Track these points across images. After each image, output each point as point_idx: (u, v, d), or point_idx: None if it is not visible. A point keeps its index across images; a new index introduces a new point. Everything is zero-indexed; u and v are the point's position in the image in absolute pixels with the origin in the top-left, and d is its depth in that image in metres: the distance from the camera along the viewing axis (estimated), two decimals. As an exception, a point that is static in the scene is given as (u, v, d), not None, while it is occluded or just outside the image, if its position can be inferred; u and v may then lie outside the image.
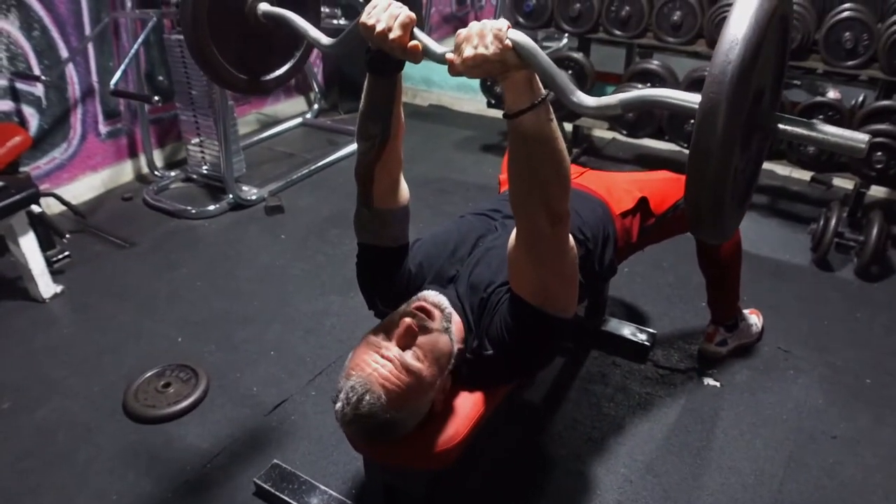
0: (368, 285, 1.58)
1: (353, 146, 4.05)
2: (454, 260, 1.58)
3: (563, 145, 1.19)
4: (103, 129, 3.66)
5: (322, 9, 3.97)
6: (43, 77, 3.23)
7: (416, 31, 1.20)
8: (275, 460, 1.95)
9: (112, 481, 1.96)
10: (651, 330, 2.47)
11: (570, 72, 3.41)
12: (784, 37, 1.12)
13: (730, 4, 2.95)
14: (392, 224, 1.50)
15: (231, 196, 3.50)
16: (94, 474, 1.98)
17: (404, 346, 1.33)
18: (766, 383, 2.30)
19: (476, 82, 3.80)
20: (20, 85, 3.22)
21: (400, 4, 1.19)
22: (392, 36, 1.16)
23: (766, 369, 2.37)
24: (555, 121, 1.17)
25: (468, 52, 1.08)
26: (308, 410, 2.19)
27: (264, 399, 2.24)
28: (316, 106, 4.79)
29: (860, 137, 0.95)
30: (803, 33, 2.89)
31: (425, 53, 1.18)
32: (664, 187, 1.98)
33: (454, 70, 1.12)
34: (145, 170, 3.86)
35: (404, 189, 1.50)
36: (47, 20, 3.24)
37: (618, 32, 3.31)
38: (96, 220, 3.40)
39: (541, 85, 1.14)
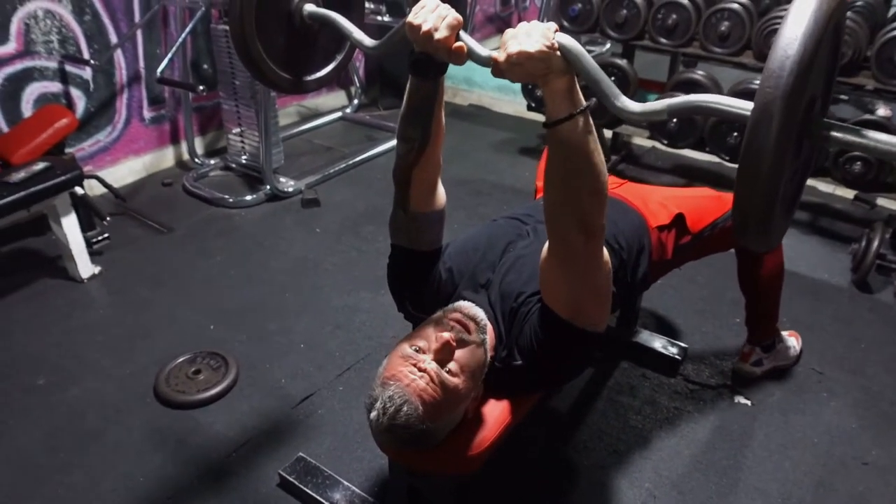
0: (399, 288, 1.59)
1: (391, 143, 4.08)
2: (484, 266, 1.57)
3: (601, 158, 1.17)
4: (147, 114, 3.72)
5: (367, 5, 4.00)
6: (92, 61, 3.29)
7: (462, 33, 1.20)
8: (300, 453, 1.97)
9: (139, 464, 1.99)
10: (682, 344, 2.44)
11: (612, 78, 3.37)
12: (836, 46, 1.10)
13: (779, 17, 2.90)
14: (427, 228, 1.50)
15: (268, 187, 3.53)
16: (122, 456, 2.02)
17: (442, 360, 1.33)
18: (798, 404, 2.26)
19: (517, 84, 3.79)
20: (69, 68, 3.28)
21: (447, 6, 1.19)
22: (438, 36, 1.16)
23: (799, 390, 2.32)
24: (594, 133, 1.15)
25: (513, 47, 1.07)
26: (335, 405, 2.21)
27: (292, 391, 2.26)
28: (356, 101, 4.82)
29: None
30: (854, 49, 2.82)
31: (470, 55, 1.18)
32: (702, 205, 1.95)
33: (498, 69, 1.11)
34: (186, 156, 3.92)
35: (441, 193, 1.50)
36: (99, 5, 3.30)
37: (663, 40, 3.27)
38: (136, 204, 3.46)
39: (581, 96, 1.12)
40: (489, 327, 1.44)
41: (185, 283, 2.86)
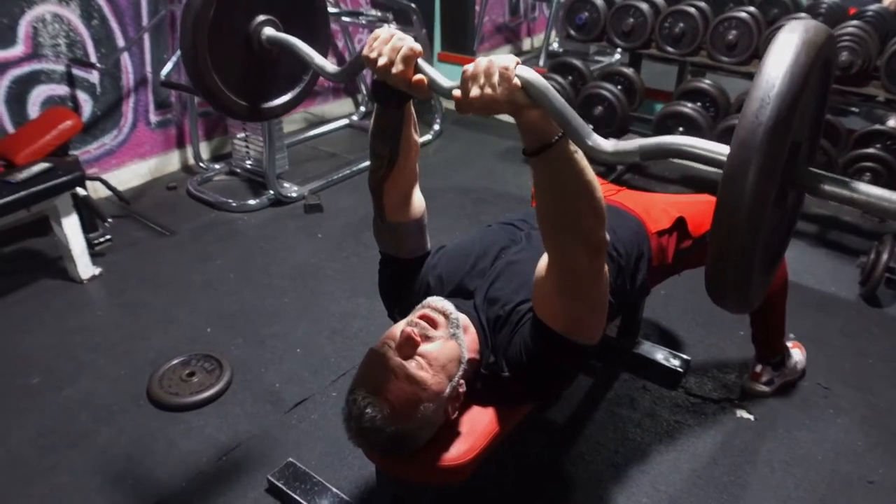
0: (387, 294, 1.60)
1: (396, 150, 4.07)
2: (474, 273, 1.54)
3: (591, 174, 1.12)
4: (154, 118, 3.73)
5: (374, 12, 4.01)
6: (98, 65, 3.31)
7: (422, 63, 1.16)
8: (290, 459, 1.94)
9: (129, 466, 1.97)
10: (685, 356, 2.40)
11: (619, 87, 3.35)
12: (825, 86, 1.01)
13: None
14: (406, 236, 1.51)
15: (272, 192, 3.53)
16: (112, 458, 2.00)
17: (406, 356, 1.29)
18: (803, 420, 2.21)
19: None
20: (77, 71, 3.30)
21: (403, 36, 1.15)
22: (394, 70, 1.13)
23: (804, 406, 2.27)
24: (578, 152, 1.09)
25: (474, 91, 1.03)
26: (328, 411, 2.18)
27: (285, 396, 2.24)
28: (363, 108, 4.81)
29: None
30: (864, 59, 2.78)
31: (431, 88, 1.14)
32: (704, 210, 1.91)
33: (460, 108, 1.07)
34: (191, 161, 3.93)
35: (417, 204, 1.49)
36: (107, 10, 3.32)
37: (670, 49, 3.25)
38: (140, 207, 3.46)
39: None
40: (470, 327, 1.41)
41: (185, 285, 2.85)
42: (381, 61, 1.14)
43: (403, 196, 1.47)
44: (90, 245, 2.92)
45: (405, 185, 1.45)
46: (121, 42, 3.41)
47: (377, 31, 1.16)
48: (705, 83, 3.21)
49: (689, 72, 3.60)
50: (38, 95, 3.18)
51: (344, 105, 4.89)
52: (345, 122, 4.67)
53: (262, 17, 1.46)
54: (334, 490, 1.84)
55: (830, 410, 2.25)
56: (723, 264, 0.87)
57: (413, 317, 1.37)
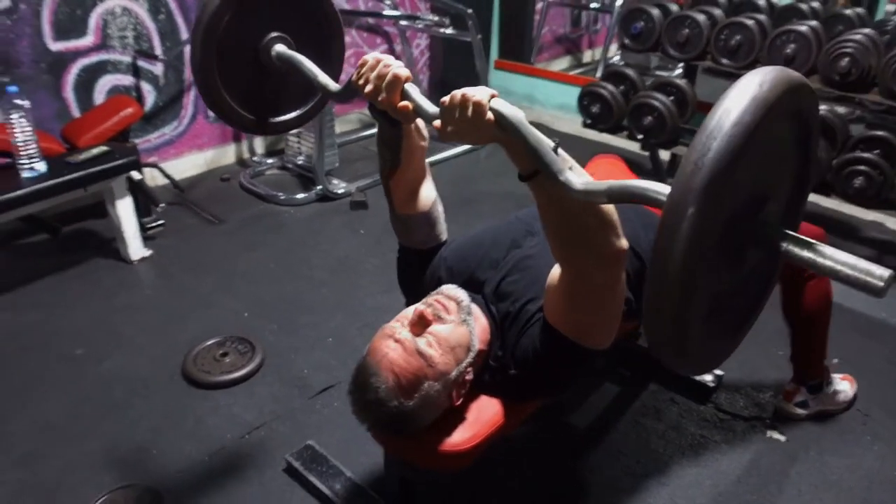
0: (403, 282, 1.66)
1: (446, 153, 4.12)
2: (486, 265, 1.55)
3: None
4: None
5: (431, 17, 4.06)
6: (163, 57, 3.45)
7: (410, 88, 1.19)
8: (309, 442, 1.98)
9: (155, 438, 2.04)
10: (718, 371, 2.34)
11: (670, 97, 3.31)
12: (805, 137, 0.92)
13: (852, 40, 2.79)
14: (415, 228, 1.56)
15: (320, 187, 3.60)
16: (141, 429, 2.08)
17: (417, 334, 1.32)
18: (837, 445, 2.12)
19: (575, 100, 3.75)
20: (142, 63, 3.45)
21: (390, 62, 1.19)
22: (381, 97, 1.18)
23: (840, 430, 2.18)
24: (575, 165, 1.08)
25: (449, 126, 1.07)
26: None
27: (312, 382, 2.28)
28: (417, 111, 4.86)
29: (878, 273, 0.77)
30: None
31: (416, 113, 1.17)
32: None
33: (442, 137, 1.11)
34: (246, 154, 4.05)
35: (425, 198, 1.53)
36: (173, 5, 3.47)
37: (725, 61, 3.18)
38: (193, 196, 3.58)
39: (547, 140, 1.06)
40: (478, 314, 1.42)
41: (228, 272, 2.94)
42: (367, 88, 1.20)
43: (410, 191, 1.51)
44: (143, 228, 3.04)
45: (411, 182, 1.49)
46: (185, 36, 3.56)
47: (365, 57, 1.21)
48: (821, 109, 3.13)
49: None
50: (104, 84, 3.34)
51: (399, 108, 4.95)
52: (398, 124, 4.73)
53: (273, 34, 1.49)
54: (348, 474, 1.86)
55: (868, 437, 2.16)
56: (655, 317, 0.82)
57: (427, 300, 1.39)
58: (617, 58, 5.62)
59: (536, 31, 5.42)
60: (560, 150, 1.05)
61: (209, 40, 1.40)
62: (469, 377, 1.37)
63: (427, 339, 1.31)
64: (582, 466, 2.01)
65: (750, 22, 3.07)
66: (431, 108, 1.14)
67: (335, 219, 3.46)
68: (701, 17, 3.22)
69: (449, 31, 4.17)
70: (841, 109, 2.95)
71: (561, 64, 6.02)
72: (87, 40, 3.22)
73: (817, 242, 0.81)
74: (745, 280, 0.94)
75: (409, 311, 1.37)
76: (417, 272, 1.59)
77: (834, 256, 0.79)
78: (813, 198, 3.40)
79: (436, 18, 4.14)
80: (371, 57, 1.21)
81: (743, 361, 2.46)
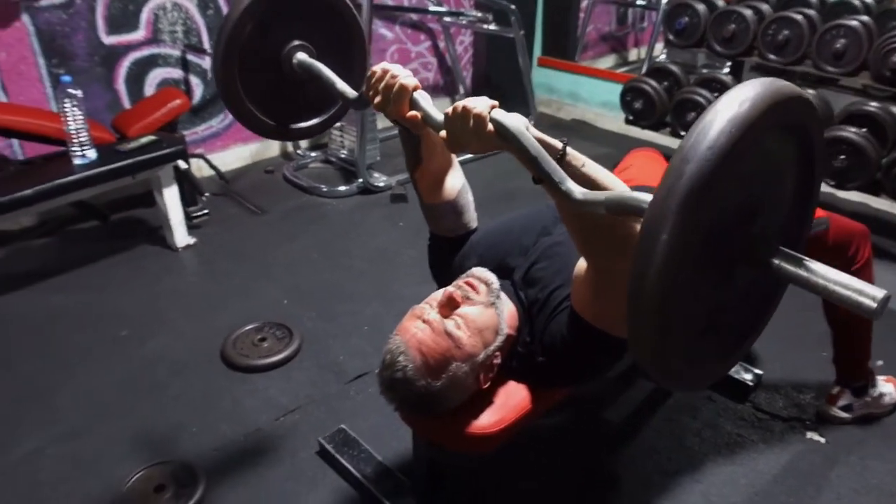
0: (434, 268, 1.68)
1: (486, 148, 4.12)
2: (515, 251, 1.56)
3: (610, 180, 1.10)
4: (258, 105, 3.93)
5: (475, 13, 4.07)
6: (211, 52, 3.53)
7: (419, 97, 1.21)
8: (342, 425, 2.01)
9: (193, 417, 2.10)
10: (758, 371, 2.29)
11: (715, 94, 3.25)
12: (806, 149, 0.87)
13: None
14: (441, 216, 1.58)
15: (361, 180, 3.65)
16: (180, 407, 2.14)
17: (445, 315, 1.33)
18: (879, 450, 2.06)
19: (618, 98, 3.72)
20: (191, 57, 3.54)
21: (397, 73, 1.21)
22: (389, 109, 1.21)
23: (884, 435, 2.12)
24: (588, 162, 1.08)
25: (454, 133, 1.09)
26: (385, 387, 2.23)
27: (348, 368, 2.32)
28: (459, 108, 4.87)
29: (873, 294, 0.74)
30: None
31: (425, 122, 1.19)
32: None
33: (448, 147, 1.13)
34: (290, 148, 4.12)
35: (450, 188, 1.54)
36: (221, 1, 3.55)
37: (772, 57, 3.12)
38: (238, 187, 3.66)
39: (553, 140, 1.08)
40: (508, 302, 1.43)
41: (269, 260, 3.00)
42: (377, 100, 1.23)
43: (434, 182, 1.53)
44: (188, 217, 3.13)
45: (435, 174, 1.51)
46: (233, 31, 3.63)
47: (374, 68, 1.24)
48: (808, 94, 3.05)
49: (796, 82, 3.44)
50: (154, 77, 3.43)
51: (443, 104, 4.96)
52: (440, 120, 4.75)
53: (295, 43, 1.52)
54: (380, 459, 1.89)
55: (913, 442, 2.09)
56: (638, 343, 0.81)
57: (457, 282, 1.41)
58: (663, 56, 5.55)
59: (581, 29, 5.38)
60: (569, 150, 1.07)
61: (231, 49, 1.44)
62: (497, 361, 1.38)
63: (455, 320, 1.32)
64: (614, 461, 2.00)
65: (798, 16, 3.00)
66: (439, 117, 1.16)
67: (375, 211, 3.50)
68: (748, 12, 3.16)
69: (492, 27, 4.17)
70: (894, 108, 2.86)
71: (606, 62, 5.96)
72: (139, 34, 3.32)
73: (809, 260, 0.79)
74: (740, 297, 0.91)
75: (439, 294, 1.38)
76: (447, 258, 1.61)
77: (826, 275, 0.76)
78: (862, 197, 3.31)
79: (479, 14, 4.15)
80: (379, 68, 1.24)
81: (784, 362, 2.41)
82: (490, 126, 1.06)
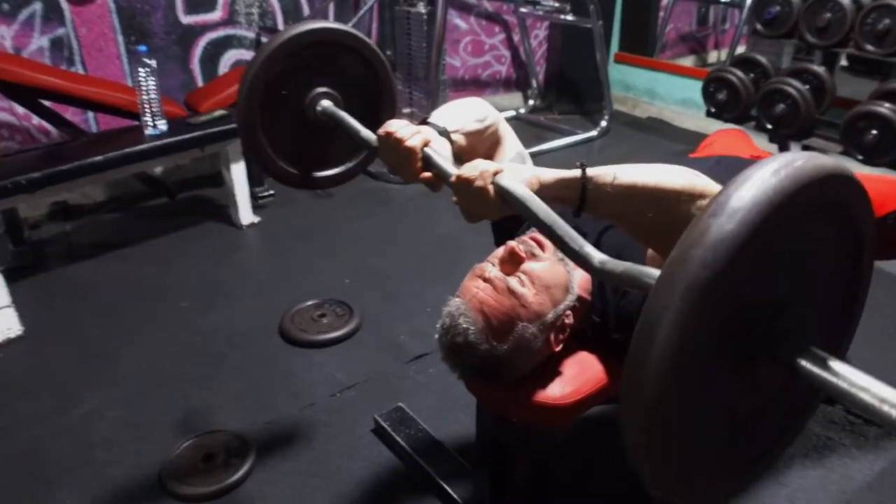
0: (496, 240, 1.56)
1: (555, 142, 4.07)
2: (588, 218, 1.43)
3: (655, 174, 0.99)
4: (329, 91, 3.93)
5: (551, 3, 3.96)
6: (285, 34, 3.53)
7: (431, 152, 1.14)
8: (399, 403, 1.93)
9: (249, 387, 2.05)
10: (850, 373, 2.10)
11: (806, 85, 3.05)
12: (850, 234, 0.75)
13: None
14: None
15: (428, 168, 3.58)
16: (236, 378, 2.09)
17: (508, 273, 1.21)
18: None
19: (699, 95, 3.55)
20: (265, 39, 3.54)
21: (402, 135, 1.15)
22: (402, 172, 1.17)
23: None
24: (619, 173, 0.99)
25: (462, 203, 1.04)
26: (446, 368, 2.13)
27: (408, 348, 2.24)
28: (531, 102, 4.79)
29: None
30: None
31: (439, 180, 1.12)
32: (885, 191, 1.66)
33: (465, 218, 1.08)
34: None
35: (506, 158, 1.43)
36: (298, -16, 3.56)
37: (871, 48, 2.90)
38: (304, 171, 3.64)
39: (573, 173, 1.00)
40: None
41: (332, 241, 2.96)
42: (391, 163, 1.20)
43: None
44: (254, 197, 3.12)
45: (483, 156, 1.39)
46: (306, 12, 3.63)
47: (380, 130, 1.19)
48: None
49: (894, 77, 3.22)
50: (228, 58, 3.46)
51: (514, 98, 4.89)
52: (512, 113, 4.67)
53: (319, 90, 1.47)
54: (436, 439, 1.79)
55: None
56: (637, 450, 0.70)
57: (521, 237, 1.29)
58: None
59: (661, 28, 5.21)
60: (591, 170, 1.00)
61: (253, 97, 1.41)
62: (569, 321, 1.24)
63: (519, 277, 1.20)
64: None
65: (903, 3, 2.78)
66: (453, 171, 1.08)
67: (441, 199, 3.39)
68: (845, 0, 2.96)
69: (570, 17, 4.05)
70: None
71: (684, 63, 5.77)
72: (216, 15, 3.35)
73: (836, 361, 0.66)
74: (769, 402, 0.77)
75: (501, 250, 1.26)
76: (508, 229, 1.46)
77: (852, 379, 0.64)
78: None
79: (556, 4, 4.03)
80: (384, 130, 1.18)
81: (886, 368, 2.21)
82: (492, 193, 0.99)
